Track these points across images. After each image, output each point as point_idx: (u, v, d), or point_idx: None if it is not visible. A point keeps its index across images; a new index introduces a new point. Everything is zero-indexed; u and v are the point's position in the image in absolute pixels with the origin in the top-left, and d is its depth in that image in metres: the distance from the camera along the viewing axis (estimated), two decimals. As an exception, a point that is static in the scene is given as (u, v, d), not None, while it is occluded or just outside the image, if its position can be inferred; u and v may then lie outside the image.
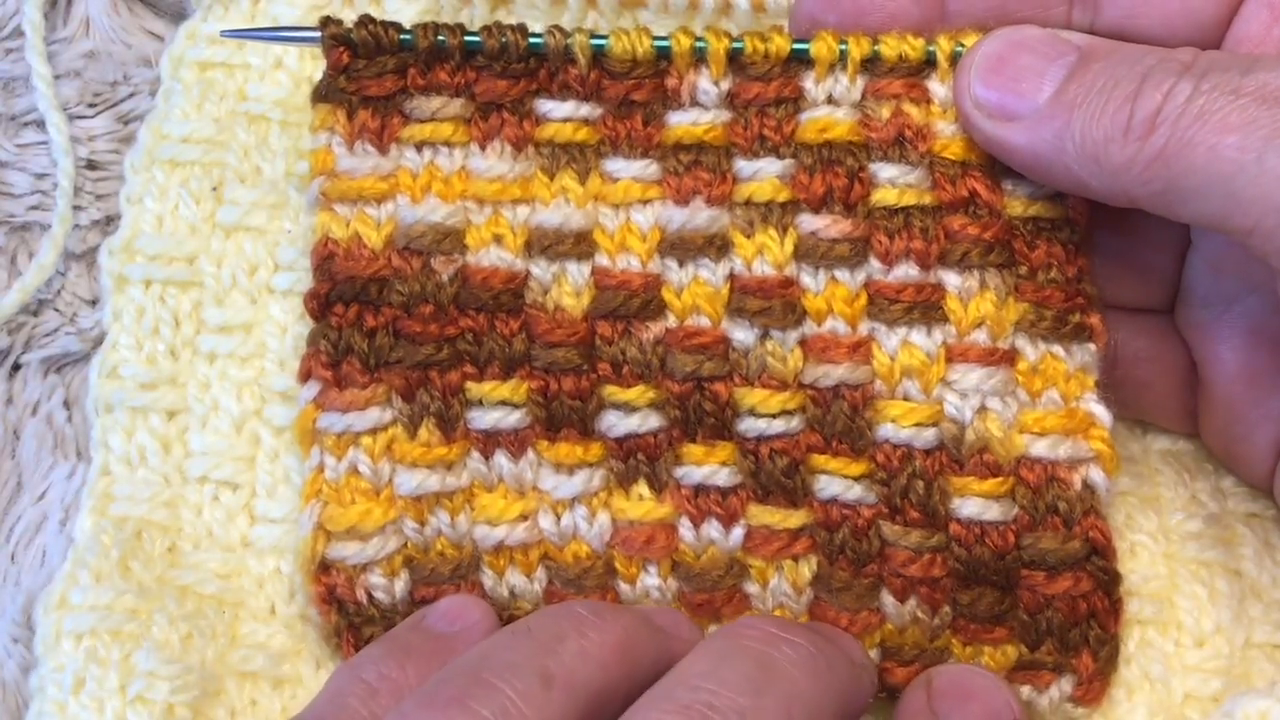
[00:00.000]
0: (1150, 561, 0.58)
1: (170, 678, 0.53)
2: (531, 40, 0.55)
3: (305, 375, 0.55)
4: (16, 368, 0.63)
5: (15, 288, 0.62)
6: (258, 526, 0.58)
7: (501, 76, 0.56)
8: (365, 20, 0.55)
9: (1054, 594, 0.53)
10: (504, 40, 0.55)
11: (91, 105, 0.66)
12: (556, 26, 0.55)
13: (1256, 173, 0.46)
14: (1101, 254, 0.57)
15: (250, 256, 0.61)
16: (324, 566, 0.54)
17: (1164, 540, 0.58)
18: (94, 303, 0.63)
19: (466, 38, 0.55)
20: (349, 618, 0.54)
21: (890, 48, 0.54)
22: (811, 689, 0.47)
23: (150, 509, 0.58)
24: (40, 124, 0.65)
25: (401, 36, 0.55)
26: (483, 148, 0.56)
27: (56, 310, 0.63)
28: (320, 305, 0.55)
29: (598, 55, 0.55)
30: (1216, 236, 0.55)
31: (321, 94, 0.56)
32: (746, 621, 0.50)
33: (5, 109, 0.65)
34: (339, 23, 0.56)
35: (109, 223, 0.64)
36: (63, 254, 0.63)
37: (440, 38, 0.55)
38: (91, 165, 0.65)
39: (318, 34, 0.56)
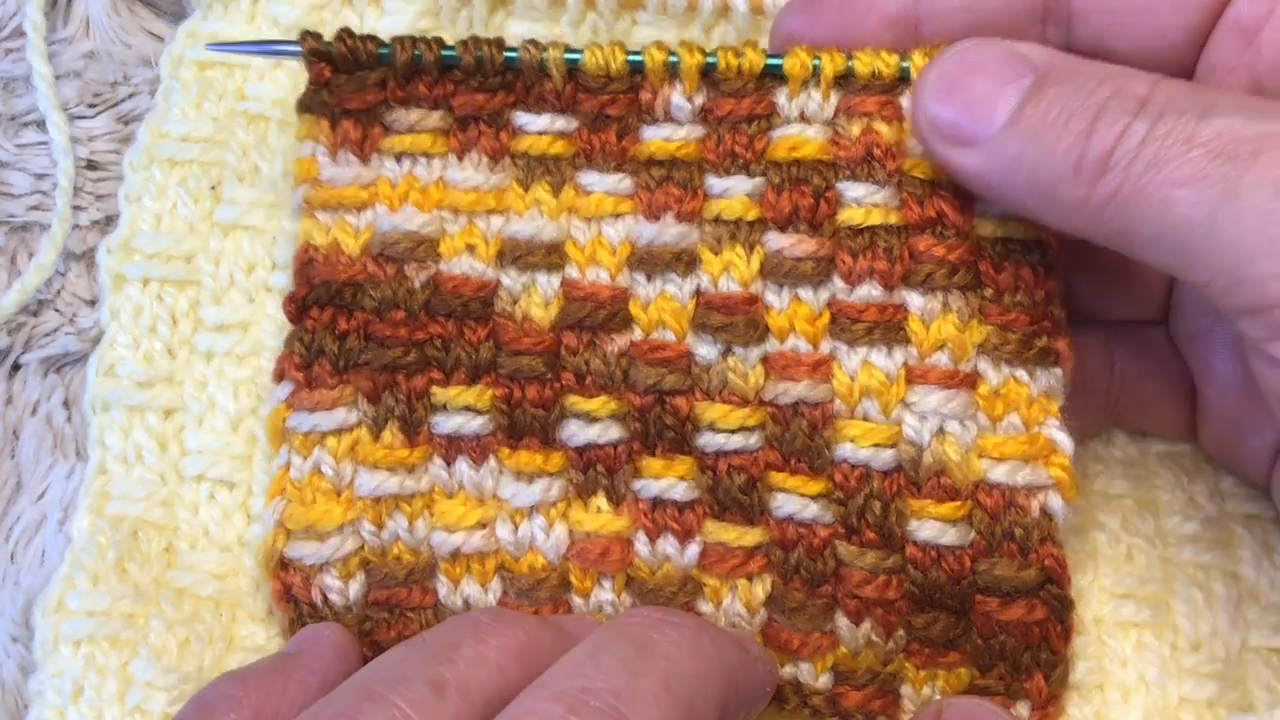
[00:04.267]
0: (1147, 565, 0.57)
1: (168, 688, 0.54)
2: (507, 55, 0.56)
3: (279, 376, 0.56)
4: (16, 368, 0.63)
5: (15, 288, 0.62)
6: (255, 525, 0.59)
7: (479, 90, 0.56)
8: (344, 34, 0.56)
9: (1008, 620, 0.52)
10: (480, 55, 0.56)
11: (91, 105, 0.66)
12: (532, 41, 0.56)
13: (1207, 232, 0.45)
14: (1094, 268, 0.57)
15: (248, 255, 0.62)
16: (283, 564, 0.55)
17: (1161, 543, 0.58)
18: (93, 303, 0.63)
19: (443, 52, 0.56)
20: (303, 618, 0.55)
21: (864, 64, 0.54)
22: (693, 668, 0.46)
23: (147, 508, 0.58)
24: (40, 124, 0.65)
25: (380, 50, 0.56)
26: (460, 159, 0.57)
27: (56, 310, 0.64)
28: (297, 309, 0.56)
29: (572, 69, 0.56)
30: None
31: (306, 105, 0.57)
32: (632, 611, 0.50)
33: (5, 109, 0.66)
34: (318, 37, 0.56)
35: (109, 223, 0.64)
36: (62, 254, 0.63)
37: (417, 52, 0.56)
38: (91, 165, 0.65)
39: (299, 47, 0.56)
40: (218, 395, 0.60)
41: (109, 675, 0.54)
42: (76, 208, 0.64)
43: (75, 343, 0.63)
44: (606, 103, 0.56)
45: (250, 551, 0.58)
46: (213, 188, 0.63)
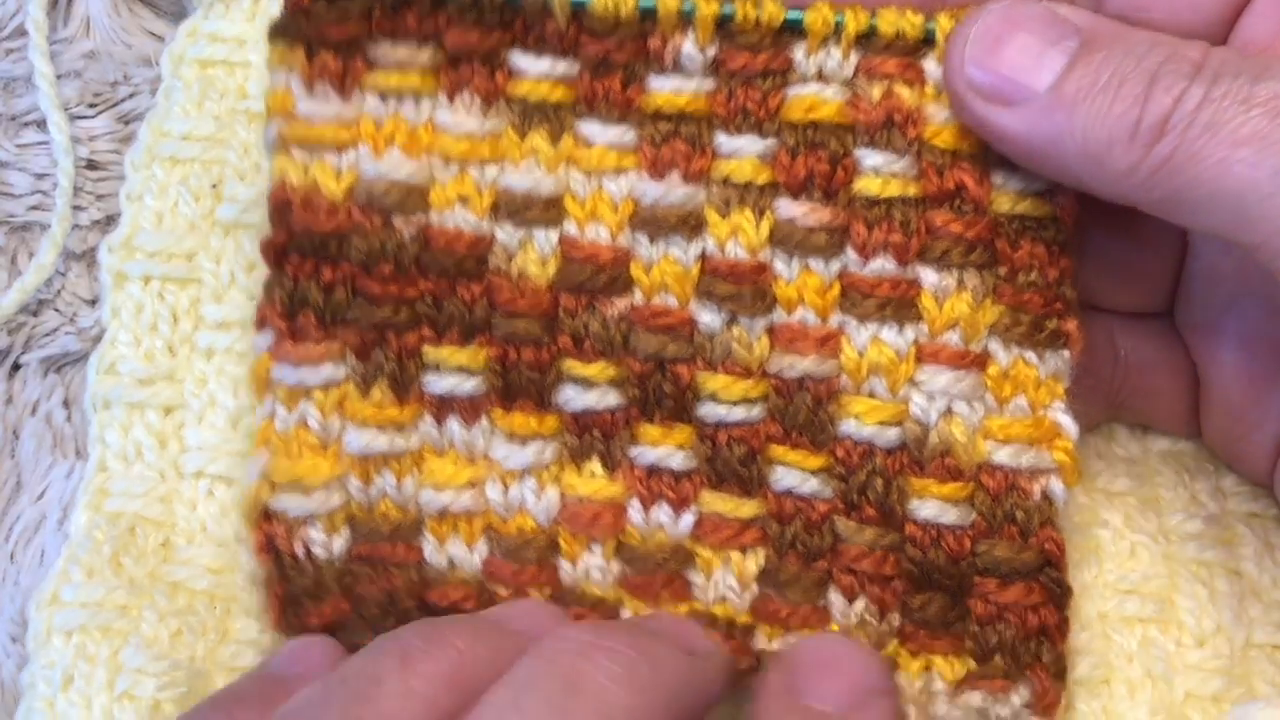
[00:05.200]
0: (1150, 562, 0.57)
1: (157, 674, 0.53)
2: None
3: (260, 323, 0.53)
4: (16, 367, 0.63)
5: (15, 288, 0.62)
6: (253, 519, 0.58)
7: (474, 26, 0.52)
8: None
9: (1005, 603, 0.51)
10: None
11: (92, 105, 0.66)
12: None
13: (1270, 191, 0.44)
14: (1100, 257, 0.56)
15: (249, 253, 0.61)
16: (266, 515, 0.53)
17: (1164, 541, 0.58)
18: (94, 302, 0.63)
19: None
20: (283, 570, 0.53)
21: (888, 23, 0.52)
22: (632, 700, 0.43)
23: (145, 504, 0.58)
24: (40, 124, 0.65)
25: None
26: (450, 99, 0.53)
27: (56, 310, 0.63)
28: (277, 255, 0.53)
29: (578, 11, 0.52)
30: (1213, 242, 0.55)
31: (279, 31, 0.52)
32: (560, 634, 0.46)
33: (6, 109, 0.66)
34: None
35: (109, 222, 0.64)
36: (62, 254, 0.63)
37: None
38: (92, 165, 0.65)
39: None
40: (218, 392, 0.60)
41: (99, 664, 0.53)
42: (76, 208, 0.64)
43: (75, 342, 0.63)
44: (612, 47, 0.52)
45: (246, 548, 0.57)
46: (214, 186, 0.62)
